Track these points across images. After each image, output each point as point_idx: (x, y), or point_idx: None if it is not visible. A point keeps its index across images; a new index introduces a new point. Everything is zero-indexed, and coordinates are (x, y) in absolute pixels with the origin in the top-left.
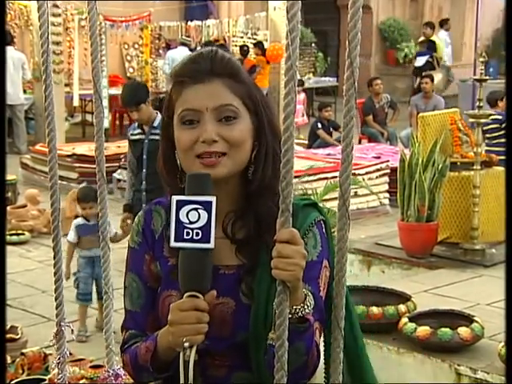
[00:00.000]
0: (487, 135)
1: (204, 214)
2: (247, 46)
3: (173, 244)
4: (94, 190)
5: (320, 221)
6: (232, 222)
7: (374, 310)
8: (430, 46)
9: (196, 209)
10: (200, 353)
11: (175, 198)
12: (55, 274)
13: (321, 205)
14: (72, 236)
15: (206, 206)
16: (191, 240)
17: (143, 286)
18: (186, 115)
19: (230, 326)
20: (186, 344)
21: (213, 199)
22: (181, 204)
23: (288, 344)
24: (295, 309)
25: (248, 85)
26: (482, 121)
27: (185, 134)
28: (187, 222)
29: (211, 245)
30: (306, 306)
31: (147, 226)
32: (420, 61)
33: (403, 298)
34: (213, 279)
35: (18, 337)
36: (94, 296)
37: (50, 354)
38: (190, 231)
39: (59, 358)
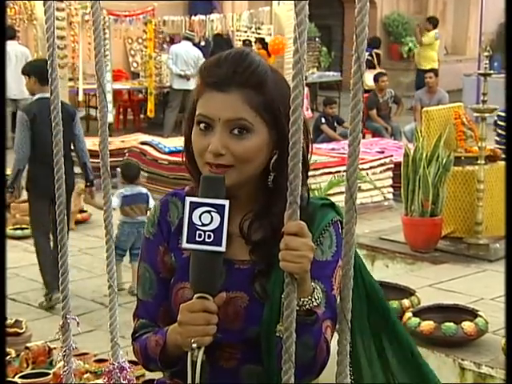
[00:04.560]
0: (499, 131)
1: (217, 217)
2: (249, 41)
3: (185, 245)
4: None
5: (337, 221)
6: (249, 223)
7: None
8: (374, 43)
9: (209, 211)
10: (211, 344)
11: (188, 199)
12: (61, 266)
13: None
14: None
15: (219, 209)
16: (203, 242)
17: (156, 277)
18: (201, 119)
19: (242, 321)
20: (194, 345)
21: (226, 203)
22: (194, 206)
23: (296, 337)
24: (303, 301)
25: (270, 96)
26: (487, 115)
27: (198, 139)
28: (200, 224)
29: (223, 248)
30: (313, 299)
31: (163, 217)
32: None
33: (407, 292)
34: (227, 273)
35: (22, 331)
36: None
37: (55, 348)
38: (203, 233)
39: (65, 351)
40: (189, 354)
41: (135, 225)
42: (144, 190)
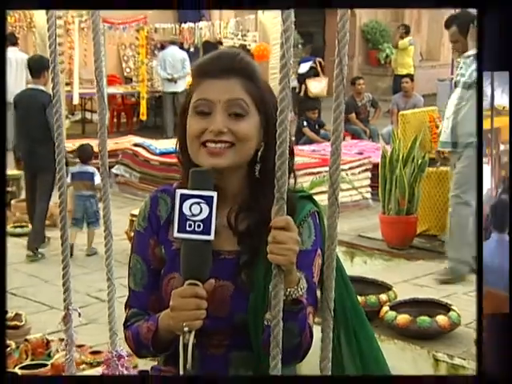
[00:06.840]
0: None
1: (206, 208)
2: (235, 48)
3: (176, 235)
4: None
5: (314, 212)
6: (235, 214)
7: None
8: (316, 51)
9: (198, 203)
10: (199, 333)
11: (179, 191)
12: (63, 261)
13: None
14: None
15: (208, 200)
16: (193, 232)
17: (146, 268)
18: (200, 105)
19: (228, 308)
20: (186, 329)
21: (214, 194)
22: (184, 197)
23: (282, 325)
24: (289, 291)
25: (262, 88)
26: None
27: (195, 123)
28: (190, 214)
29: (211, 237)
30: (299, 289)
31: (153, 211)
32: (303, 67)
33: (384, 287)
34: (214, 263)
35: (22, 324)
36: None
37: (52, 341)
38: (192, 223)
39: (67, 341)
40: (181, 337)
41: (82, 198)
42: (91, 170)
